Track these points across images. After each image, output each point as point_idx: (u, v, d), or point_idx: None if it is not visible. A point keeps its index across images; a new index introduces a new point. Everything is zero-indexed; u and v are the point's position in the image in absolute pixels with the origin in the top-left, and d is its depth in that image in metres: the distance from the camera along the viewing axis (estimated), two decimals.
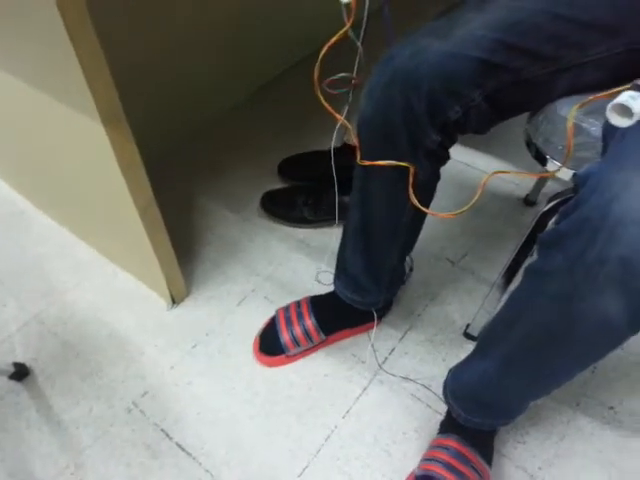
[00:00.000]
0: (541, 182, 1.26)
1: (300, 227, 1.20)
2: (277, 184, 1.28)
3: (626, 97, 0.41)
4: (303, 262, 1.14)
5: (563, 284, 0.53)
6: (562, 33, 0.64)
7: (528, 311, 0.60)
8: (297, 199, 1.18)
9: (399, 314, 1.06)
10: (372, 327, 1.00)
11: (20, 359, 0.97)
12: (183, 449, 0.88)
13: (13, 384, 0.95)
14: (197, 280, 1.11)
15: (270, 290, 1.09)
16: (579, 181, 0.53)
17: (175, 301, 1.07)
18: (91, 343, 1.01)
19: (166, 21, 1.20)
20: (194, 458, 0.87)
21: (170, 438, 0.89)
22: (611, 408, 0.93)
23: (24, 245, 1.19)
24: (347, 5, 0.62)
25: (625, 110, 0.41)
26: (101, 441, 0.88)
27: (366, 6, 0.71)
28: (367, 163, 0.71)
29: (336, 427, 0.91)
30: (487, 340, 0.74)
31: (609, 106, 0.42)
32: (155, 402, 0.93)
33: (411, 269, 1.12)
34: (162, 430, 0.90)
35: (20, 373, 0.95)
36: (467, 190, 1.24)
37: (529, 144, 0.74)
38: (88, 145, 0.83)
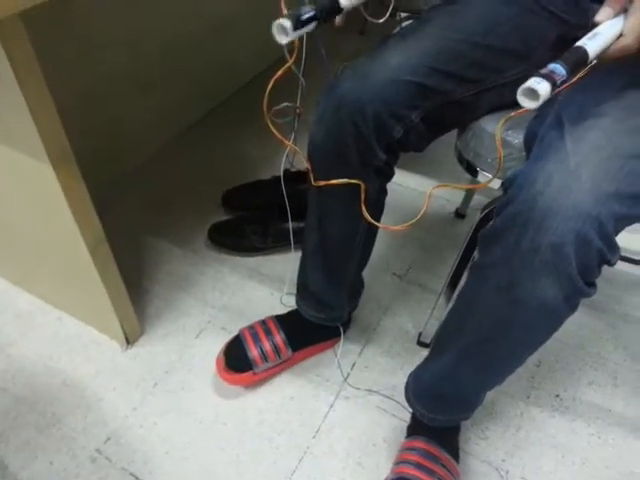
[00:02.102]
0: (469, 196, 1.36)
1: (250, 256, 1.22)
2: (222, 215, 1.30)
3: (532, 82, 0.48)
4: (256, 289, 1.16)
5: (503, 274, 0.59)
6: (482, 59, 0.72)
7: (476, 304, 0.66)
8: (245, 228, 1.20)
9: (356, 329, 1.09)
10: (337, 341, 1.03)
11: None
12: None
13: None
14: (150, 318, 1.10)
15: (227, 320, 1.10)
16: (507, 183, 0.60)
17: (129, 341, 1.05)
18: (44, 395, 0.97)
19: (99, 61, 1.21)
20: None
21: None
22: (557, 396, 1.01)
23: None
24: (289, 44, 0.67)
25: (532, 93, 0.48)
26: None
27: (304, 43, 0.77)
28: (322, 183, 0.75)
29: (308, 447, 0.92)
30: (442, 338, 0.79)
31: (519, 91, 0.48)
32: (120, 447, 0.90)
33: (362, 286, 1.17)
34: (131, 474, 0.87)
35: None
36: (404, 209, 1.31)
37: (460, 159, 0.81)
38: (36, 188, 0.81)
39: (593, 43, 0.52)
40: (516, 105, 0.75)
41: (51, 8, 0.76)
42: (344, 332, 1.05)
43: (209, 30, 1.50)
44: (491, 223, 0.61)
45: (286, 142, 0.80)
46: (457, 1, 0.77)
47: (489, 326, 0.65)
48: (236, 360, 0.97)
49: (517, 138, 0.74)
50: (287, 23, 0.55)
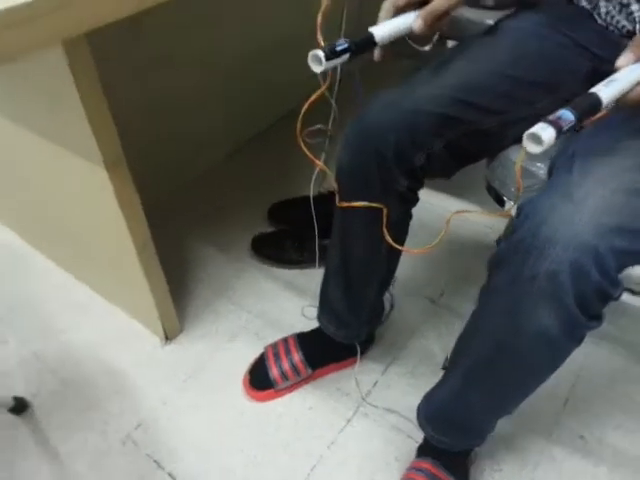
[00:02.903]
0: (510, 225, 1.35)
1: (287, 268, 1.27)
2: (267, 227, 1.36)
3: (538, 127, 0.49)
4: (290, 300, 1.21)
5: (506, 300, 0.60)
6: (509, 91, 0.74)
7: (481, 327, 0.67)
8: (285, 242, 1.26)
9: (381, 349, 1.11)
10: (356, 361, 1.05)
11: (20, 394, 1.02)
12: (174, 478, 0.91)
13: (12, 418, 0.99)
14: (189, 317, 1.17)
15: (260, 327, 1.15)
16: (518, 211, 0.61)
17: (168, 337, 1.12)
18: (88, 380, 1.06)
19: (168, 78, 1.31)
20: None
21: (162, 469, 0.93)
22: (581, 437, 0.98)
23: (26, 287, 1.25)
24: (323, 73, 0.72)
25: (537, 139, 0.49)
26: (95, 471, 0.92)
27: (338, 72, 0.82)
28: (345, 205, 0.79)
29: (322, 457, 0.95)
30: (452, 359, 0.80)
31: (525, 135, 0.50)
32: (148, 434, 0.97)
33: (392, 306, 1.19)
34: (155, 461, 0.94)
35: (19, 407, 1.00)
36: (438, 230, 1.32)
37: (489, 188, 0.83)
38: (90, 188, 0.91)
39: (608, 89, 0.53)
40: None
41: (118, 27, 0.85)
42: (366, 351, 1.08)
43: (269, 50, 1.58)
44: (497, 249, 0.63)
45: (317, 162, 0.84)
46: (490, 33, 0.80)
47: (491, 350, 0.66)
48: (259, 379, 1.03)
49: (542, 169, 0.75)
50: (321, 54, 0.60)
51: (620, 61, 0.55)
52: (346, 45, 0.61)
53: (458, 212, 0.74)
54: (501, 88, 0.74)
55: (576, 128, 0.51)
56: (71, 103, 0.76)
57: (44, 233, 1.27)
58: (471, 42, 0.79)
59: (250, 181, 1.53)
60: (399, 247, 0.81)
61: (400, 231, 0.86)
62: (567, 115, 0.49)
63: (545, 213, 0.56)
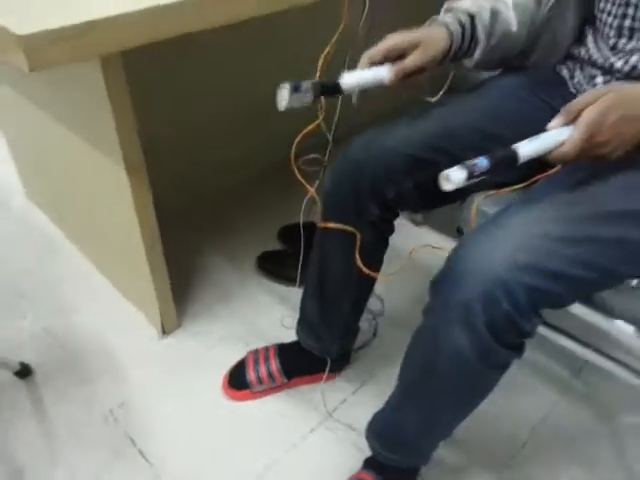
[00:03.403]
0: None
1: (285, 285, 1.36)
2: (275, 246, 1.47)
3: (453, 169, 0.57)
4: (281, 314, 1.29)
5: (433, 321, 0.67)
6: (481, 144, 0.81)
7: (413, 345, 0.74)
8: (287, 260, 1.36)
9: (356, 371, 1.18)
10: (330, 377, 1.12)
11: (27, 360, 1.14)
12: (144, 456, 1.00)
13: (16, 380, 1.11)
14: (188, 316, 1.28)
15: (247, 334, 1.24)
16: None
17: (165, 331, 1.23)
18: (87, 357, 1.18)
19: (197, 104, 1.46)
20: (151, 464, 0.99)
21: (135, 445, 1.02)
22: None
23: (50, 268, 1.40)
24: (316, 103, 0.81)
25: (449, 178, 0.57)
26: (74, 438, 1.02)
27: (338, 108, 0.93)
28: (322, 225, 0.89)
29: (278, 460, 1.01)
30: (398, 377, 0.86)
31: (441, 174, 0.58)
32: (129, 414, 1.07)
33: (374, 334, 1.25)
34: (130, 438, 1.03)
35: (24, 372, 1.12)
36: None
37: (458, 229, 0.90)
38: (112, 187, 1.04)
39: (528, 146, 0.60)
40: (504, 185, 0.86)
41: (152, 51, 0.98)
42: (341, 370, 1.14)
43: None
44: (433, 277, 0.70)
45: (308, 188, 0.95)
46: (474, 89, 0.89)
47: (420, 369, 0.73)
48: (237, 380, 1.11)
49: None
50: (285, 90, 0.69)
51: (551, 123, 0.63)
52: (310, 86, 0.69)
53: (416, 247, 0.83)
54: (473, 140, 0.82)
55: (490, 172, 0.59)
56: (103, 111, 0.89)
57: (71, 221, 1.42)
58: (456, 96, 0.88)
59: (265, 203, 1.64)
60: (365, 269, 0.90)
61: (373, 257, 0.94)
62: (482, 162, 0.58)
63: (469, 248, 0.64)
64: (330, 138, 0.94)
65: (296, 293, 1.35)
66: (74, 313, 1.27)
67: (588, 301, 0.73)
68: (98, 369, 1.15)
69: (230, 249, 1.47)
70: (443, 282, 0.66)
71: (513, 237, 0.62)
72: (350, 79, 0.74)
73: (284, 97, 0.70)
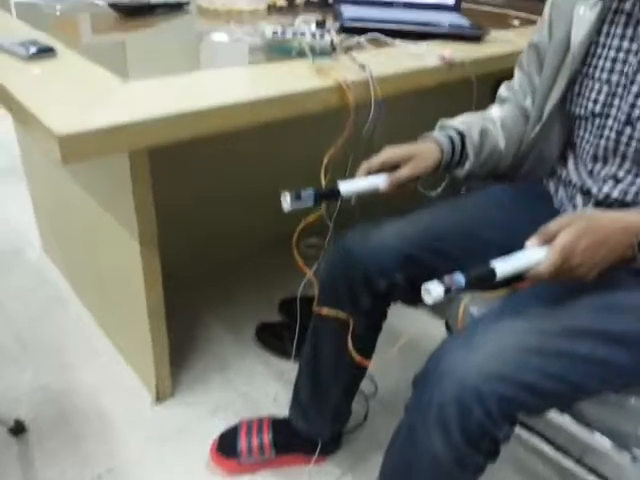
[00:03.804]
0: None
1: (283, 358, 1.39)
2: (275, 317, 1.50)
3: (431, 283, 0.60)
4: (277, 390, 1.31)
5: (412, 418, 0.70)
6: (467, 244, 0.87)
7: (394, 438, 0.76)
8: (285, 334, 1.39)
9: (345, 455, 1.17)
10: (320, 460, 1.13)
11: (22, 416, 1.16)
12: None
13: (9, 437, 1.13)
14: (182, 386, 1.30)
15: (241, 408, 1.26)
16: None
17: (159, 398, 1.25)
18: (82, 417, 1.19)
19: (208, 181, 1.55)
20: None
21: None
22: None
23: (56, 323, 1.44)
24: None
25: (429, 292, 0.61)
26: None
27: (338, 204, 0.98)
28: (316, 310, 0.93)
29: None
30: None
31: (422, 286, 0.62)
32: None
33: (365, 418, 1.26)
34: None
35: (18, 429, 1.14)
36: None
37: (447, 324, 0.94)
38: (124, 255, 1.10)
39: (505, 264, 0.65)
40: (491, 288, 0.90)
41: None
42: (330, 453, 1.15)
43: (287, 174, 1.78)
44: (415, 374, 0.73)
45: (306, 270, 1.00)
46: (464, 196, 0.95)
47: (398, 465, 0.75)
48: (226, 446, 1.12)
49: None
50: (288, 198, 0.77)
51: (529, 242, 0.68)
52: (312, 193, 0.77)
53: (403, 342, 0.86)
54: (461, 241, 0.88)
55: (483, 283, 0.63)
56: (125, 190, 0.96)
57: (82, 280, 1.48)
58: (448, 199, 0.95)
59: (267, 275, 1.69)
60: (357, 358, 0.93)
61: (366, 343, 0.97)
62: (459, 279, 0.62)
63: (447, 351, 0.67)
64: (331, 225, 1.00)
65: (292, 367, 1.37)
66: (73, 371, 1.30)
67: (566, 410, 0.75)
68: (91, 431, 1.17)
69: (231, 318, 1.51)
70: (422, 381, 0.69)
71: (489, 346, 0.66)
72: (348, 186, 0.81)
73: (287, 203, 0.77)
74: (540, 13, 1.04)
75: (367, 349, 0.98)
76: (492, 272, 0.64)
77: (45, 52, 0.91)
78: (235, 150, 1.54)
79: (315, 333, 0.99)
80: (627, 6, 0.76)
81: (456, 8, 1.46)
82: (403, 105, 1.03)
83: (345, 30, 1.22)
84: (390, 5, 1.45)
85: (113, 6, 1.27)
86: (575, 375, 0.67)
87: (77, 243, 1.41)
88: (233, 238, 1.72)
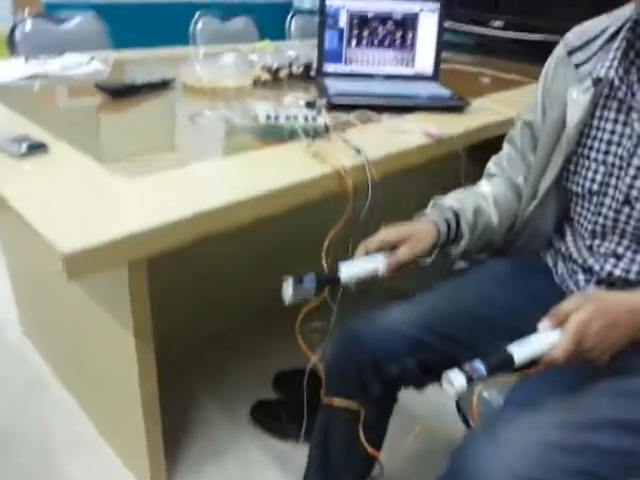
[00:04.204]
0: None
1: (282, 440, 1.33)
2: (271, 394, 1.45)
3: (452, 373, 0.60)
4: (274, 475, 1.25)
5: None
6: (473, 326, 0.87)
7: None
8: (282, 413, 1.34)
9: None
10: None
11: None
12: None
13: None
14: (176, 475, 1.23)
15: None
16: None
17: None
18: None
19: (198, 259, 1.52)
20: None
21: None
22: None
23: (38, 409, 1.37)
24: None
25: (450, 383, 0.60)
26: None
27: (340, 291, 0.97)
28: (326, 401, 0.90)
29: None
30: None
31: (443, 377, 0.61)
32: None
33: None
34: None
35: None
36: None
37: (458, 407, 0.92)
38: (117, 346, 1.05)
39: (521, 349, 0.65)
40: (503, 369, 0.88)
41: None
42: None
43: (286, 248, 1.78)
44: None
45: (311, 357, 0.97)
46: (465, 272, 0.95)
47: None
48: None
49: (497, 400, 0.84)
50: (289, 288, 0.75)
51: (540, 325, 0.68)
52: (314, 282, 0.76)
53: (422, 427, 0.84)
54: (468, 324, 0.87)
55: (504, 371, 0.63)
56: (120, 286, 0.92)
57: (65, 364, 1.41)
58: (449, 278, 0.95)
59: (260, 349, 1.64)
60: (370, 450, 0.90)
61: (377, 431, 0.94)
62: (480, 368, 0.61)
63: (473, 451, 0.65)
64: (335, 308, 0.98)
65: (292, 449, 1.32)
66: (56, 460, 1.23)
67: None
68: None
69: (225, 397, 1.45)
70: (449, 477, 0.67)
71: (514, 445, 0.64)
72: (348, 272, 0.80)
73: (289, 291, 0.75)
74: (506, 71, 1.09)
75: (379, 436, 0.95)
76: (511, 359, 0.64)
77: (37, 148, 0.89)
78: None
79: (325, 424, 0.95)
80: (620, 94, 0.79)
81: (435, 78, 1.51)
82: (393, 180, 1.04)
83: (332, 106, 1.25)
84: (371, 77, 1.50)
85: (99, 87, 1.27)
86: (601, 468, 0.65)
87: (61, 328, 1.35)
88: (225, 311, 1.68)
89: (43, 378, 1.48)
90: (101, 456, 1.26)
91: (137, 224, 0.70)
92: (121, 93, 1.28)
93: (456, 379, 0.60)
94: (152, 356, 1.02)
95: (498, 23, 2.30)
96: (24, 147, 0.87)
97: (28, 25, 1.86)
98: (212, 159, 0.93)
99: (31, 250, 1.33)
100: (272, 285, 1.84)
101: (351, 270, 0.80)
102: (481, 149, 1.24)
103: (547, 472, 0.62)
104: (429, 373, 0.88)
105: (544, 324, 0.68)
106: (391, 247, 0.83)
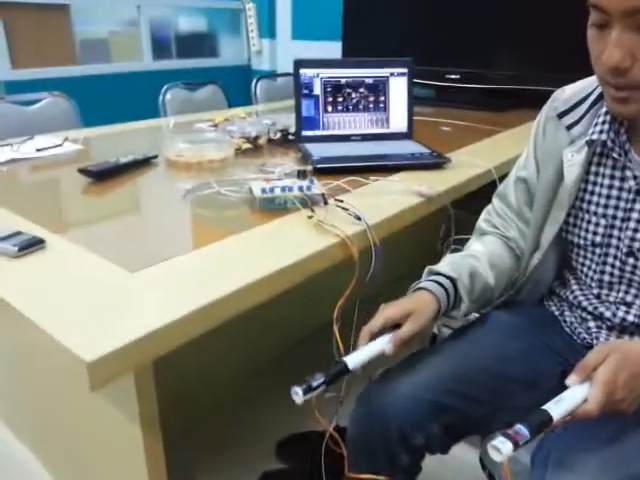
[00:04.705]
0: None
1: None
2: (276, 464, 1.40)
3: (498, 441, 0.60)
4: None
5: None
6: (494, 385, 0.87)
7: None
8: None
9: None
10: None
11: None
12: None
13: None
14: None
15: None
16: None
17: None
18: None
19: None
20: None
21: None
22: None
23: None
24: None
25: (498, 450, 0.60)
26: None
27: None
28: (353, 476, 0.88)
29: None
30: None
31: (488, 446, 0.61)
32: None
33: None
34: None
35: None
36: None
37: (482, 465, 0.91)
38: (122, 441, 1.00)
39: (557, 407, 0.66)
40: None
41: None
42: None
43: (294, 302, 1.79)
44: None
45: (327, 427, 0.95)
46: (475, 328, 0.96)
47: None
48: None
49: (525, 456, 0.84)
50: (299, 391, 0.75)
51: (568, 380, 0.69)
52: (322, 380, 0.76)
53: None
54: (487, 382, 0.87)
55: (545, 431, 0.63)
56: (129, 396, 0.88)
57: (58, 458, 1.32)
58: (461, 335, 0.95)
59: (260, 415, 1.60)
60: None
61: None
62: (523, 431, 0.62)
63: None
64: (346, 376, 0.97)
65: None
66: None
67: None
68: None
69: (228, 474, 1.39)
70: None
71: None
72: (354, 360, 0.81)
73: (299, 396, 0.75)
74: (463, 119, 1.12)
75: None
76: (549, 418, 0.65)
77: (34, 245, 0.86)
78: None
79: None
80: (614, 154, 0.83)
81: (409, 135, 1.57)
82: (388, 240, 1.06)
83: (317, 171, 1.27)
84: (348, 139, 1.54)
85: (83, 172, 1.25)
86: None
87: (51, 420, 1.28)
88: (222, 381, 1.64)
89: (35, 475, 1.38)
90: None
91: (152, 322, 0.68)
92: (105, 175, 1.26)
93: (503, 447, 0.60)
94: (160, 447, 0.97)
95: (454, 76, 2.43)
96: (20, 245, 0.84)
97: None
98: (217, 241, 0.92)
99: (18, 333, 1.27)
100: (275, 352, 1.81)
101: (357, 357, 0.81)
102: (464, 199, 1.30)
103: None
104: (452, 436, 0.88)
105: (572, 379, 0.69)
106: (394, 326, 0.85)
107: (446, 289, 0.90)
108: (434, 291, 0.89)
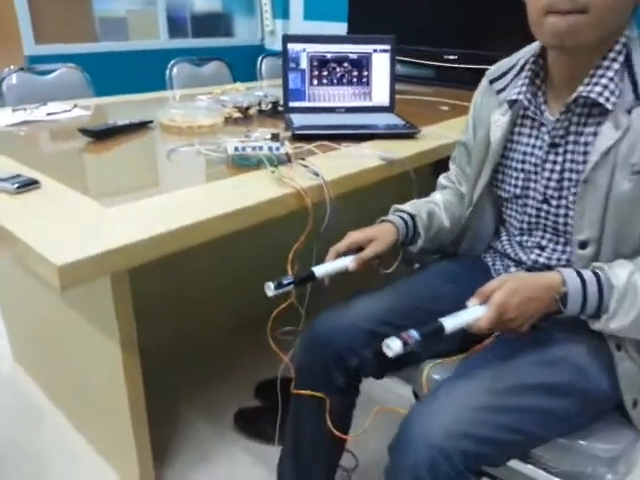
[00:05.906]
0: None
1: (265, 444, 1.42)
2: (252, 402, 1.55)
3: (390, 340, 0.73)
4: (259, 476, 1.34)
5: None
6: (424, 320, 0.98)
7: None
8: (263, 419, 1.44)
9: None
10: None
11: None
12: None
13: None
14: None
15: None
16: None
17: None
18: None
19: (182, 266, 1.64)
20: None
21: None
22: None
23: (35, 436, 1.45)
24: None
25: (389, 347, 0.73)
26: None
27: (309, 287, 1.10)
28: (294, 391, 1.02)
29: None
30: None
31: (383, 343, 0.73)
32: None
33: None
34: None
35: None
36: None
37: (414, 394, 1.04)
38: (105, 360, 1.15)
39: (451, 319, 0.78)
40: (449, 354, 1.00)
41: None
42: None
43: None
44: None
45: (283, 357, 1.09)
46: (419, 271, 1.09)
47: None
48: None
49: (444, 378, 0.95)
50: (271, 285, 0.89)
51: (469, 302, 0.81)
52: (291, 280, 0.91)
53: (381, 408, 0.95)
54: (419, 316, 0.98)
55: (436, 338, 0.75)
56: (105, 300, 1.04)
57: (59, 388, 1.50)
58: (404, 278, 1.08)
59: (242, 360, 1.75)
60: (336, 433, 1.01)
61: (342, 419, 1.05)
62: (414, 334, 0.74)
63: (414, 417, 0.77)
64: (303, 312, 1.10)
65: (274, 452, 1.40)
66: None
67: (526, 458, 0.85)
68: None
69: (209, 406, 1.55)
70: (395, 447, 0.78)
71: (449, 409, 0.77)
72: (321, 270, 0.95)
73: (271, 290, 0.89)
74: (462, 99, 1.21)
75: (344, 425, 1.06)
76: (441, 326, 0.77)
77: (30, 185, 1.01)
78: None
79: (295, 414, 1.06)
80: (530, 113, 0.95)
81: (390, 109, 1.67)
82: (353, 198, 1.19)
83: (296, 137, 1.39)
84: (333, 110, 1.65)
85: (83, 131, 1.40)
86: (524, 425, 0.78)
87: (52, 350, 1.44)
88: (206, 325, 1.79)
89: (41, 406, 1.55)
90: (95, 470, 1.34)
91: (122, 239, 0.82)
92: (103, 135, 1.41)
93: (393, 344, 0.73)
94: (138, 366, 1.12)
95: (452, 57, 2.51)
96: (18, 184, 0.99)
97: (14, 78, 2.01)
98: (188, 187, 1.06)
99: (16, 274, 1.43)
100: (250, 296, 1.95)
101: (323, 268, 0.96)
102: (434, 169, 1.40)
103: (477, 428, 0.74)
104: (384, 363, 1.00)
105: (472, 301, 0.81)
106: (357, 249, 0.98)
107: (406, 222, 1.05)
108: (395, 222, 1.03)
